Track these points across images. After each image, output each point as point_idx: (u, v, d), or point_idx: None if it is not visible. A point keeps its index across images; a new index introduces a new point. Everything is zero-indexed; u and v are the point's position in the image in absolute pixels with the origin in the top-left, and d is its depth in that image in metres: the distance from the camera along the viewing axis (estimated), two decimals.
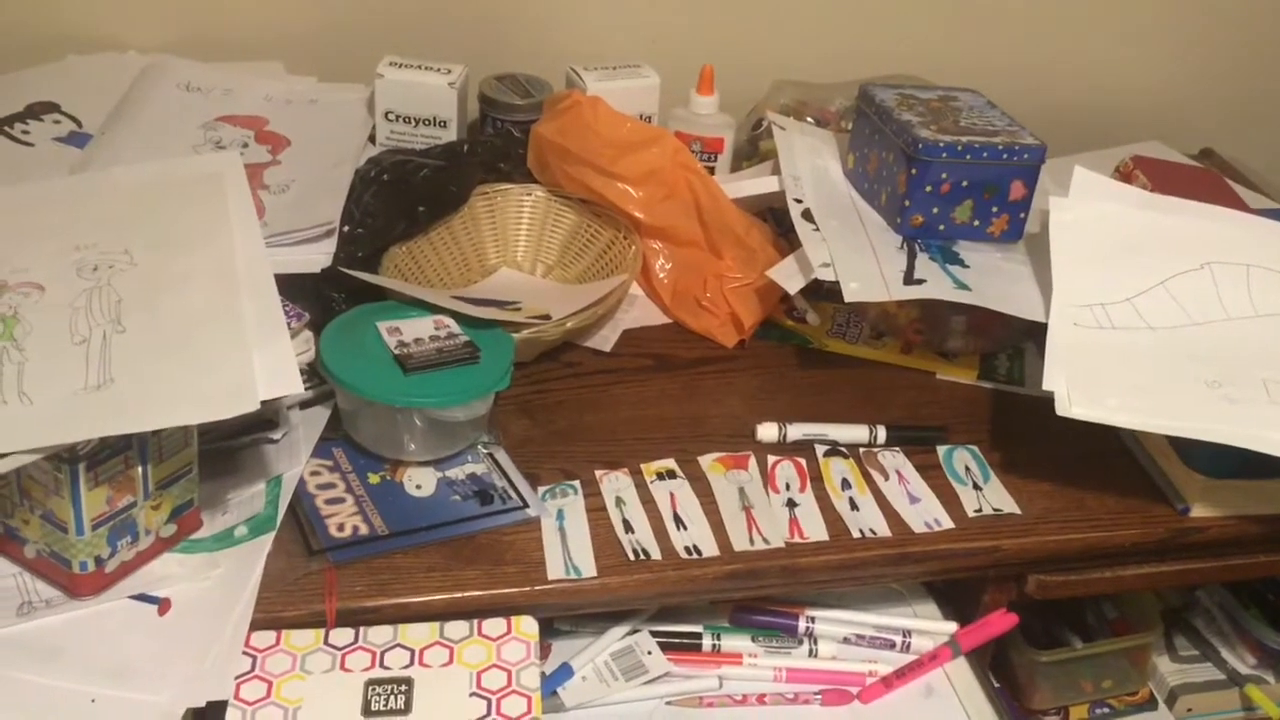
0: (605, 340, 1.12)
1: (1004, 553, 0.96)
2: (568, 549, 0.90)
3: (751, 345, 1.14)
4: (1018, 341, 1.16)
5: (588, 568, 0.89)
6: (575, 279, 1.18)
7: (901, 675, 0.95)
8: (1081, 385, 0.96)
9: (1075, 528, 0.97)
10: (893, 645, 0.98)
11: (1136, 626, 1.11)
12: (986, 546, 0.96)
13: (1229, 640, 1.16)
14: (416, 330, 0.99)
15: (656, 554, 0.91)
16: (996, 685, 0.98)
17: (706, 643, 0.96)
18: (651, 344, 1.13)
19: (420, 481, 0.95)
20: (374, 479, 0.95)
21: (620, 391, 1.07)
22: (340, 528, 0.90)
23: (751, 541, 0.93)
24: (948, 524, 0.96)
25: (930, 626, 0.99)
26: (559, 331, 1.06)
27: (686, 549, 0.92)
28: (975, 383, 1.12)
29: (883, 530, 0.95)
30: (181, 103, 1.22)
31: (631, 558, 0.90)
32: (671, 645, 0.96)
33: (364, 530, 0.90)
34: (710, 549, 0.92)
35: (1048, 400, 0.95)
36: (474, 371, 0.96)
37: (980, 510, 0.98)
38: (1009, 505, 0.98)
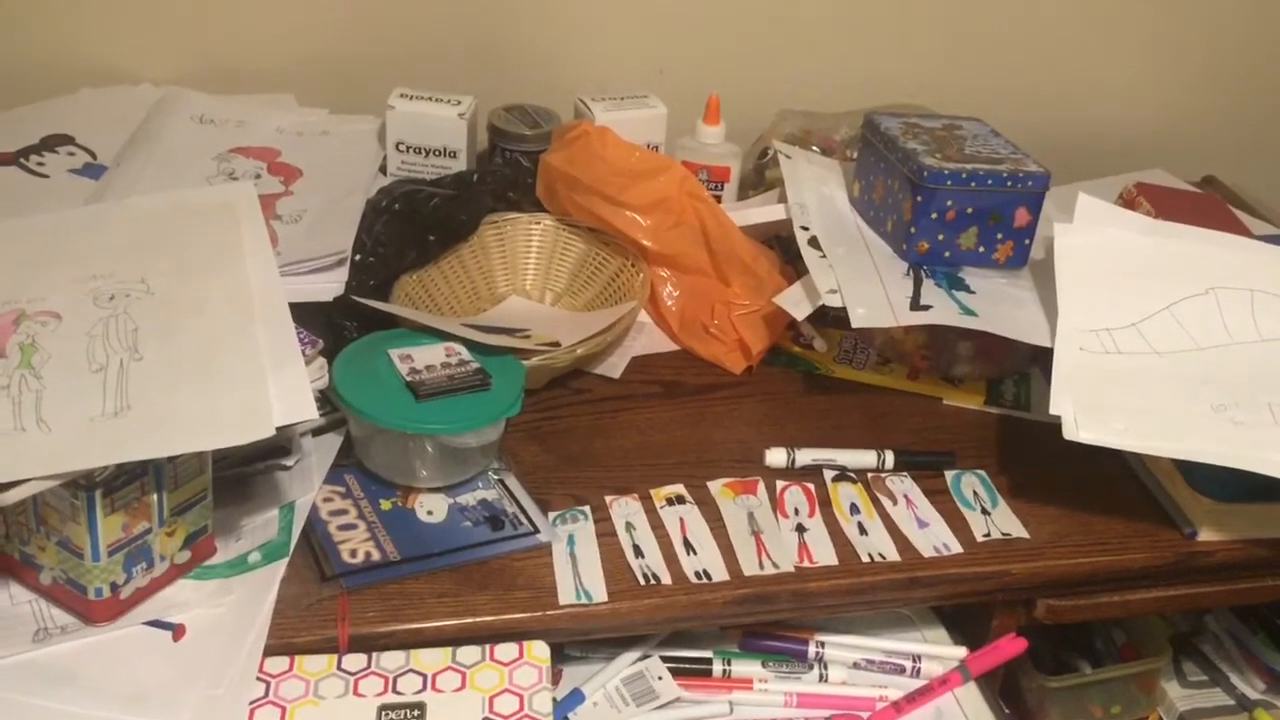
0: (614, 367, 1.13)
1: (1013, 577, 0.96)
2: (578, 574, 0.91)
3: (759, 371, 1.15)
4: (1024, 367, 1.16)
5: (598, 593, 0.90)
6: (584, 306, 1.19)
7: (911, 700, 0.96)
8: (1088, 409, 0.96)
9: (1083, 552, 0.98)
10: (902, 670, 0.98)
11: (1145, 652, 1.11)
12: (995, 571, 0.96)
13: (1237, 665, 1.16)
14: (428, 357, 0.99)
15: (667, 579, 0.91)
16: (1006, 711, 0.98)
17: (717, 668, 0.97)
18: (660, 370, 1.14)
19: (432, 507, 0.96)
20: (386, 505, 0.95)
21: (629, 418, 1.07)
22: (353, 554, 0.90)
23: (761, 566, 0.93)
24: (956, 548, 0.97)
25: (940, 651, 0.99)
26: (569, 358, 1.06)
27: (696, 574, 0.92)
28: (982, 408, 1.13)
29: (891, 555, 0.96)
30: (195, 135, 1.24)
31: (642, 582, 0.91)
32: (682, 670, 0.96)
33: (376, 556, 0.90)
34: (720, 574, 0.92)
35: (1054, 425, 0.95)
36: (485, 398, 0.97)
37: (989, 535, 0.98)
38: (1017, 529, 0.99)
